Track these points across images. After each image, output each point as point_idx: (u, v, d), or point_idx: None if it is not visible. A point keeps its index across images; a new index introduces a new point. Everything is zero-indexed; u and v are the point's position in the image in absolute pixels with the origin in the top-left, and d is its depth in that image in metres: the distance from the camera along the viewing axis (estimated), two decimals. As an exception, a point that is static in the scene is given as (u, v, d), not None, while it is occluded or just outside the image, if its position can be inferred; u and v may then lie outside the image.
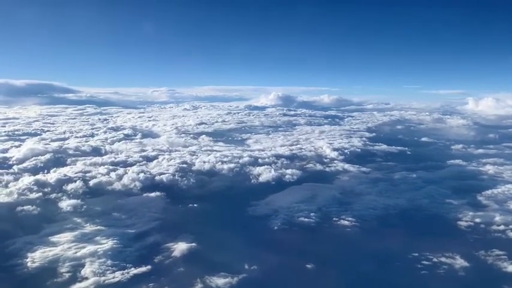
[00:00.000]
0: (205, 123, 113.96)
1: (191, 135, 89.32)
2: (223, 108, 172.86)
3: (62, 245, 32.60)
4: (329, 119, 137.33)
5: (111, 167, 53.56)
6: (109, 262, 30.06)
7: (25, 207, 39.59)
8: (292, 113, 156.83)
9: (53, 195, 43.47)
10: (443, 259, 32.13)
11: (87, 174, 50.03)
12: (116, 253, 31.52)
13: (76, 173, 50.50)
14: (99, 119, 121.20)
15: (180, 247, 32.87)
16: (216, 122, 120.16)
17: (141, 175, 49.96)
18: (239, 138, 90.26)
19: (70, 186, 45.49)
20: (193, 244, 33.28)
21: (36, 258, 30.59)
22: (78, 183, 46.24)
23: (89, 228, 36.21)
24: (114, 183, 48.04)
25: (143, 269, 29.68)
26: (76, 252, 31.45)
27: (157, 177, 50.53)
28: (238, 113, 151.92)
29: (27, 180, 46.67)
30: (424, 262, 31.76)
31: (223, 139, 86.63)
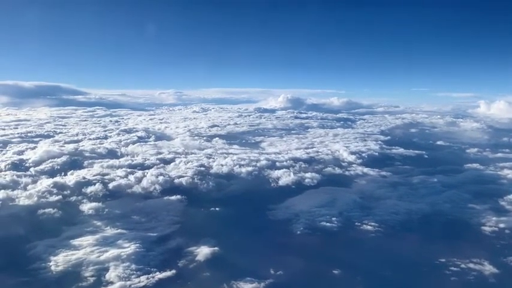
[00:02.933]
0: (218, 126, 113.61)
1: (204, 138, 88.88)
2: (232, 111, 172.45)
3: (84, 249, 32.39)
4: (341, 122, 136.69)
5: (128, 170, 53.32)
6: (133, 266, 29.79)
7: (46, 210, 39.55)
8: (303, 115, 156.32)
9: (73, 198, 43.40)
10: (471, 265, 31.48)
11: (106, 177, 49.85)
12: (140, 257, 31.25)
13: (94, 175, 50.37)
14: (111, 121, 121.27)
15: (203, 251, 32.52)
16: (228, 124, 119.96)
17: (160, 178, 49.71)
18: (253, 141, 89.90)
19: (90, 189, 45.34)
20: (216, 248, 32.86)
21: (59, 261, 30.39)
22: (98, 186, 46.10)
23: (109, 231, 36.04)
24: (133, 186, 47.78)
25: (168, 273, 29.36)
26: (99, 256, 31.23)
27: (176, 180, 50.28)
28: (249, 115, 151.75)
29: (45, 182, 46.60)
30: (452, 268, 31.13)
31: (237, 142, 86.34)
